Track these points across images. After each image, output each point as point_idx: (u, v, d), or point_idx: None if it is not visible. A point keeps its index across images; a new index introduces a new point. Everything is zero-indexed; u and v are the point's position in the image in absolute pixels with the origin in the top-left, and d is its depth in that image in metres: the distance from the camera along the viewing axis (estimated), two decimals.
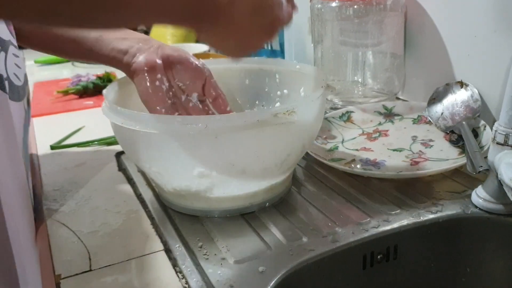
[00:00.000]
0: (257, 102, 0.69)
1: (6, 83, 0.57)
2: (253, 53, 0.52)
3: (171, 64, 0.62)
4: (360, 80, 0.91)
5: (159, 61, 0.61)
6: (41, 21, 0.36)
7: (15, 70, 0.61)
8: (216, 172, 0.52)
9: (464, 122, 0.67)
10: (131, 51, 0.61)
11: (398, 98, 0.90)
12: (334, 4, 0.83)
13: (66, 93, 1.10)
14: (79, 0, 0.34)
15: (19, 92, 0.61)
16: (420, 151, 0.68)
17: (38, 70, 1.50)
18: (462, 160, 0.61)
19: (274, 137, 0.50)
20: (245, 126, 0.48)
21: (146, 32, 1.39)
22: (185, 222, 0.56)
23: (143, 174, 0.67)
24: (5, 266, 0.51)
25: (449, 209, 0.55)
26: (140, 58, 0.60)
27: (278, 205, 0.58)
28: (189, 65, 0.62)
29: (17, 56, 0.58)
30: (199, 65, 0.63)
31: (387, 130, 0.76)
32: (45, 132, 0.85)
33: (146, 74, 0.60)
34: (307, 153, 0.65)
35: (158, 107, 0.60)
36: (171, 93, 0.62)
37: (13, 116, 0.58)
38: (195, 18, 0.44)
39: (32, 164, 0.71)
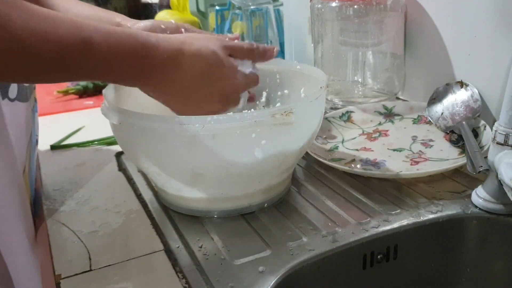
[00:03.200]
0: (257, 102, 0.69)
1: (16, 84, 0.57)
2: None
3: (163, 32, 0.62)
4: (360, 80, 0.91)
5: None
6: None
7: None
8: (214, 172, 0.52)
9: (464, 122, 0.67)
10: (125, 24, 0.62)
11: (398, 98, 0.90)
12: (334, 4, 0.83)
13: (66, 93, 1.10)
14: (38, 64, 0.40)
15: (26, 93, 0.61)
16: (420, 151, 0.68)
17: None
18: (462, 160, 0.61)
19: (272, 138, 0.50)
20: (242, 126, 0.48)
21: None
22: (185, 222, 0.56)
23: (143, 174, 0.67)
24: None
25: (449, 209, 0.55)
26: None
27: (278, 205, 0.58)
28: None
29: None
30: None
31: (387, 130, 0.76)
32: (45, 132, 0.85)
33: None
34: (307, 153, 0.65)
35: None
36: None
37: (18, 117, 0.58)
38: (139, 79, 0.48)
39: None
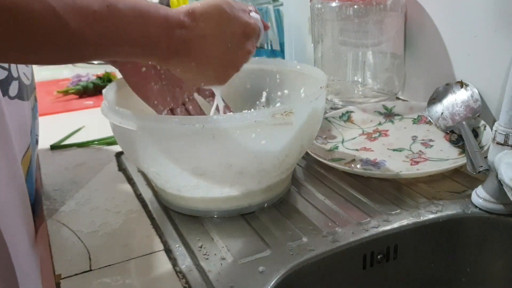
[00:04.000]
0: (257, 103, 0.69)
1: (17, 83, 0.57)
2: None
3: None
4: (360, 80, 0.91)
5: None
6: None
7: (25, 70, 0.61)
8: (214, 172, 0.52)
9: (464, 122, 0.67)
10: None
11: (398, 98, 0.90)
12: (334, 4, 0.83)
13: (66, 93, 1.10)
14: (74, 38, 0.39)
15: (27, 91, 0.61)
16: (420, 151, 0.68)
17: (38, 70, 1.50)
18: (462, 160, 0.61)
19: (272, 138, 0.50)
20: (242, 126, 0.48)
21: None
22: (185, 222, 0.56)
23: (143, 174, 0.67)
24: (4, 269, 0.51)
25: (449, 209, 0.55)
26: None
27: (278, 205, 0.58)
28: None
29: None
30: None
31: (387, 130, 0.76)
32: (45, 132, 0.85)
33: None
34: (307, 153, 0.65)
35: (156, 102, 0.60)
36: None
37: (18, 115, 0.58)
38: (165, 53, 0.46)
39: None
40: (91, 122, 0.90)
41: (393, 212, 0.55)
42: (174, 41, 0.46)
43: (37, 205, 0.63)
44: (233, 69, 0.51)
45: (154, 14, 0.44)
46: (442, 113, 0.73)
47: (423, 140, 0.72)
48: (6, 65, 0.56)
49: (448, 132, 0.71)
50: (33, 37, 0.36)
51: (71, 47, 0.39)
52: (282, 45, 1.17)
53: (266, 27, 0.56)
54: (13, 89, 0.56)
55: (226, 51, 0.49)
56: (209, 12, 0.48)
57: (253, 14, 0.53)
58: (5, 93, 0.55)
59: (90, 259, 0.50)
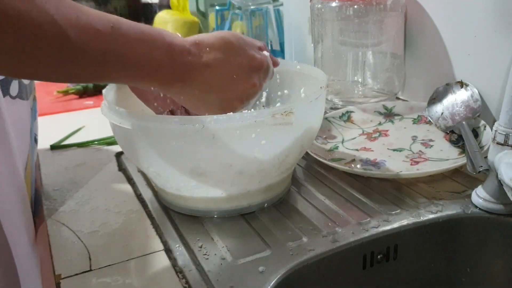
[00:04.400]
0: (257, 103, 0.69)
1: (17, 82, 0.57)
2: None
3: None
4: (360, 80, 0.91)
5: None
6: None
7: None
8: (214, 172, 0.52)
9: (464, 122, 0.67)
10: None
11: (398, 98, 0.90)
12: (334, 4, 0.83)
13: (66, 93, 1.10)
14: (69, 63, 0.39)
15: (26, 91, 0.61)
16: (420, 151, 0.68)
17: None
18: (462, 160, 0.61)
19: (272, 138, 0.50)
20: (242, 126, 0.48)
21: None
22: (185, 222, 0.56)
23: (143, 174, 0.67)
24: (5, 269, 0.51)
25: (449, 209, 0.55)
26: None
27: (278, 205, 0.58)
28: None
29: None
30: None
31: (387, 130, 0.76)
32: (45, 132, 0.85)
33: None
34: (307, 153, 0.65)
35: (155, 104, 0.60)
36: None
37: (19, 115, 0.58)
38: (168, 79, 0.46)
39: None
40: (91, 122, 0.90)
41: (393, 212, 0.55)
42: (177, 67, 0.46)
43: (37, 205, 0.63)
44: (237, 101, 0.51)
45: (159, 38, 0.44)
46: (442, 113, 0.73)
47: (423, 140, 0.72)
48: None
49: (448, 132, 0.71)
50: (29, 48, 0.36)
51: (70, 63, 0.39)
52: (282, 45, 1.17)
53: (275, 64, 0.57)
54: (14, 88, 0.56)
55: (230, 82, 0.49)
56: (216, 43, 0.48)
57: (264, 52, 0.53)
58: (6, 92, 0.55)
59: (90, 259, 0.50)
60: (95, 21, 0.39)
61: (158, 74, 0.45)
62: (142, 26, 0.43)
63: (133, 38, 0.42)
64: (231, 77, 0.49)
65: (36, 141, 0.69)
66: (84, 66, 0.40)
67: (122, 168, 0.71)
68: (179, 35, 0.47)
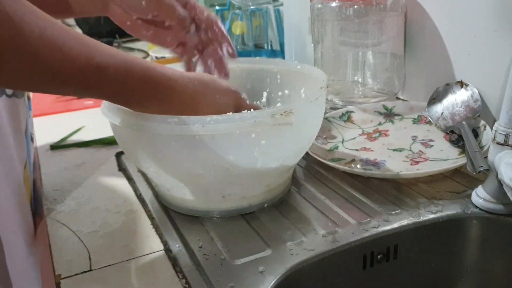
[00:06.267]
0: (258, 103, 0.69)
1: None
2: None
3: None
4: (360, 80, 0.91)
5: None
6: None
7: None
8: (214, 172, 0.52)
9: (464, 122, 0.67)
10: None
11: (398, 98, 0.90)
12: (334, 4, 0.83)
13: None
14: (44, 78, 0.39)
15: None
16: (420, 151, 0.68)
17: None
18: (462, 160, 0.61)
19: (272, 138, 0.50)
20: (242, 126, 0.48)
21: None
22: (185, 222, 0.56)
23: (143, 174, 0.67)
24: None
25: (449, 209, 0.55)
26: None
27: (278, 205, 0.58)
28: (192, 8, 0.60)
29: None
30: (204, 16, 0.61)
31: (387, 130, 0.76)
32: (45, 132, 0.85)
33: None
34: (307, 153, 0.65)
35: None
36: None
37: (15, 112, 0.58)
38: (155, 111, 0.48)
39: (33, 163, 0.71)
40: (91, 122, 0.90)
41: (393, 212, 0.55)
42: (159, 99, 0.48)
43: (37, 205, 0.63)
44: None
45: (146, 82, 0.46)
46: (442, 113, 0.73)
47: (423, 140, 0.72)
48: None
49: (448, 132, 0.71)
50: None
51: (49, 89, 0.41)
52: (282, 45, 1.17)
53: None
54: None
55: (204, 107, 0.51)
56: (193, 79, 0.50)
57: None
58: (3, 91, 0.55)
59: (90, 259, 0.50)
60: (81, 56, 0.40)
61: (139, 104, 0.48)
62: (131, 66, 0.44)
63: (119, 83, 0.44)
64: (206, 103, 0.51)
65: (32, 139, 0.69)
66: (71, 87, 0.42)
67: (122, 168, 0.71)
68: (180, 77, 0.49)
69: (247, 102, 0.56)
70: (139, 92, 0.46)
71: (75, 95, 0.45)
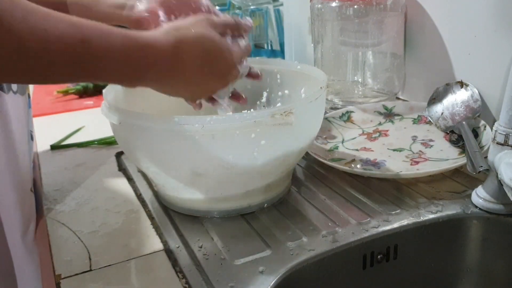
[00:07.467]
0: (258, 103, 0.69)
1: None
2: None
3: (170, 4, 0.61)
4: (360, 80, 0.91)
5: (158, 6, 0.60)
6: None
7: None
8: (213, 173, 0.52)
9: (464, 122, 0.67)
10: (129, 3, 0.60)
11: (398, 98, 0.90)
12: (334, 4, 0.83)
13: (66, 93, 1.10)
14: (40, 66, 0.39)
15: (24, 86, 0.61)
16: (420, 151, 0.68)
17: None
18: (462, 160, 0.61)
19: (272, 138, 0.50)
20: (242, 126, 0.48)
21: None
22: (185, 222, 0.56)
23: (143, 174, 0.67)
24: (3, 269, 0.51)
25: (449, 209, 0.55)
26: (140, 7, 0.59)
27: (278, 205, 0.58)
28: (188, 1, 0.61)
29: None
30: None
31: (387, 130, 0.76)
32: (45, 132, 0.85)
33: (149, 21, 0.59)
34: (307, 153, 0.65)
35: None
36: None
37: (19, 109, 0.58)
38: (140, 79, 0.47)
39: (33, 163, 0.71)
40: (91, 122, 0.90)
41: (393, 212, 0.55)
42: (148, 74, 0.47)
43: (37, 205, 0.63)
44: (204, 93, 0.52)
45: (132, 51, 0.44)
46: (442, 113, 0.73)
47: (423, 140, 0.72)
48: None
49: (448, 132, 0.71)
50: None
51: (34, 74, 0.40)
52: (282, 45, 1.17)
53: (257, 77, 0.58)
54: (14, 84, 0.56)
55: (198, 84, 0.50)
56: (195, 49, 0.48)
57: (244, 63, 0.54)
58: (9, 88, 0.55)
59: (90, 259, 0.50)
60: (65, 34, 0.39)
61: (125, 81, 0.47)
62: (114, 36, 0.43)
63: (104, 54, 0.42)
64: (199, 81, 0.50)
65: (32, 137, 0.69)
66: (58, 72, 0.41)
67: (122, 168, 0.71)
68: (160, 33, 0.47)
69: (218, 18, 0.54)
70: (124, 60, 0.44)
71: (63, 78, 0.44)
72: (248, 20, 0.56)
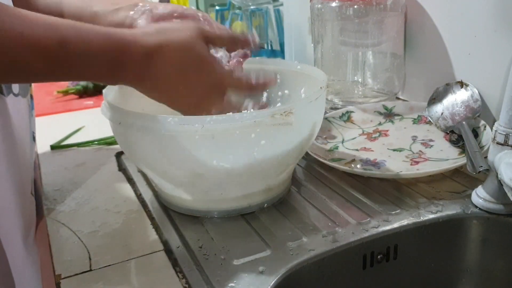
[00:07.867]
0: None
1: None
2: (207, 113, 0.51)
3: (170, 21, 0.60)
4: (360, 80, 0.91)
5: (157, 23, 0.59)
6: None
7: None
8: (213, 173, 0.52)
9: (464, 122, 0.67)
10: (126, 22, 0.59)
11: (398, 98, 0.90)
12: (334, 4, 0.83)
13: (66, 93, 1.10)
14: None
15: (26, 88, 0.61)
16: (420, 151, 0.68)
17: None
18: (462, 160, 0.61)
19: (272, 138, 0.50)
20: (242, 126, 0.48)
21: None
22: (185, 222, 0.56)
23: (143, 174, 0.67)
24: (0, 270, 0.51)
25: (449, 209, 0.55)
26: (140, 24, 0.59)
27: (278, 205, 0.58)
28: (184, 17, 0.61)
29: None
30: (193, 13, 0.61)
31: (387, 130, 0.76)
32: (45, 132, 0.85)
33: None
34: (307, 153, 0.65)
35: None
36: None
37: (20, 111, 0.58)
38: (119, 78, 0.47)
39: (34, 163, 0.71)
40: (91, 122, 0.90)
41: (393, 212, 0.55)
42: (127, 78, 0.47)
43: (37, 205, 0.63)
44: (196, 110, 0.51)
45: (109, 54, 0.44)
46: (442, 113, 0.73)
47: (423, 140, 0.72)
48: None
49: (448, 132, 0.71)
50: None
51: (10, 76, 0.41)
52: (282, 45, 1.17)
53: (271, 83, 0.55)
54: (15, 86, 0.56)
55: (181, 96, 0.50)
56: (176, 57, 0.48)
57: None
58: (10, 90, 0.55)
59: (90, 259, 0.50)
60: (41, 37, 0.39)
61: (104, 80, 0.48)
62: (92, 35, 0.43)
63: (81, 54, 0.42)
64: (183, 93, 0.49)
65: (34, 139, 0.69)
66: (37, 73, 0.42)
67: (122, 168, 0.71)
68: (143, 34, 0.47)
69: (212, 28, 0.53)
70: (104, 59, 0.44)
71: (42, 78, 0.44)
72: (252, 35, 0.55)
